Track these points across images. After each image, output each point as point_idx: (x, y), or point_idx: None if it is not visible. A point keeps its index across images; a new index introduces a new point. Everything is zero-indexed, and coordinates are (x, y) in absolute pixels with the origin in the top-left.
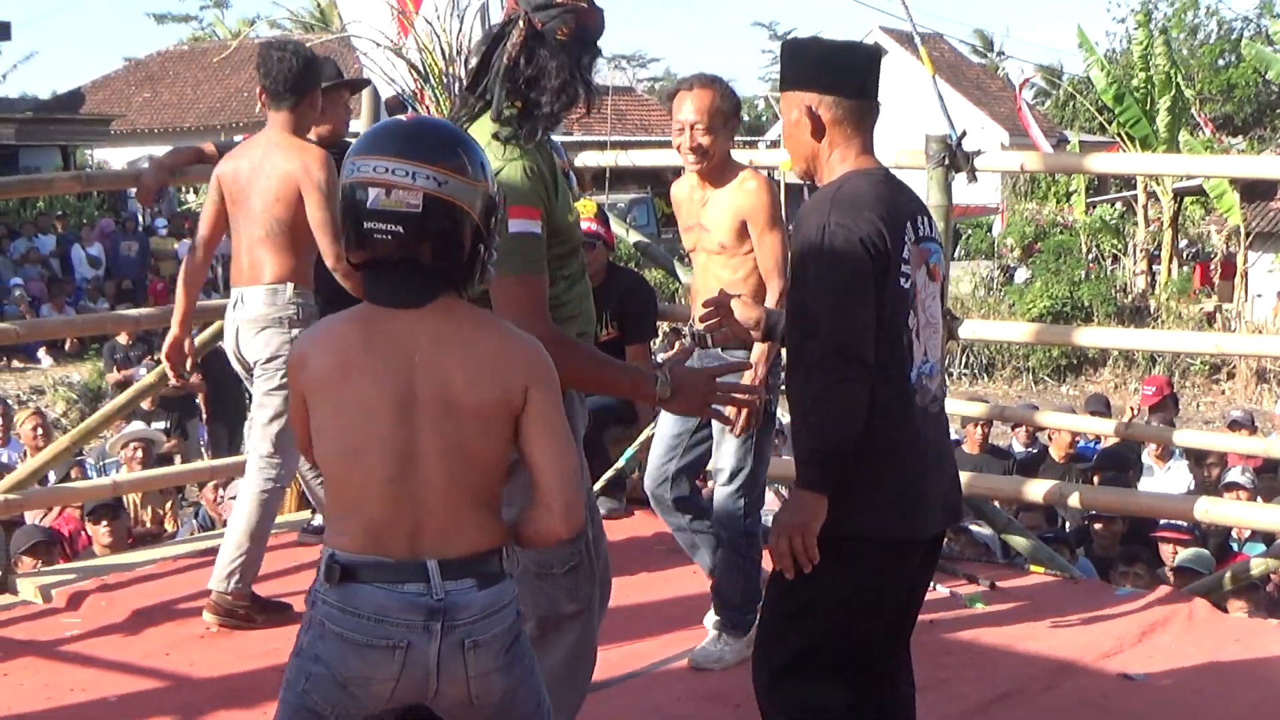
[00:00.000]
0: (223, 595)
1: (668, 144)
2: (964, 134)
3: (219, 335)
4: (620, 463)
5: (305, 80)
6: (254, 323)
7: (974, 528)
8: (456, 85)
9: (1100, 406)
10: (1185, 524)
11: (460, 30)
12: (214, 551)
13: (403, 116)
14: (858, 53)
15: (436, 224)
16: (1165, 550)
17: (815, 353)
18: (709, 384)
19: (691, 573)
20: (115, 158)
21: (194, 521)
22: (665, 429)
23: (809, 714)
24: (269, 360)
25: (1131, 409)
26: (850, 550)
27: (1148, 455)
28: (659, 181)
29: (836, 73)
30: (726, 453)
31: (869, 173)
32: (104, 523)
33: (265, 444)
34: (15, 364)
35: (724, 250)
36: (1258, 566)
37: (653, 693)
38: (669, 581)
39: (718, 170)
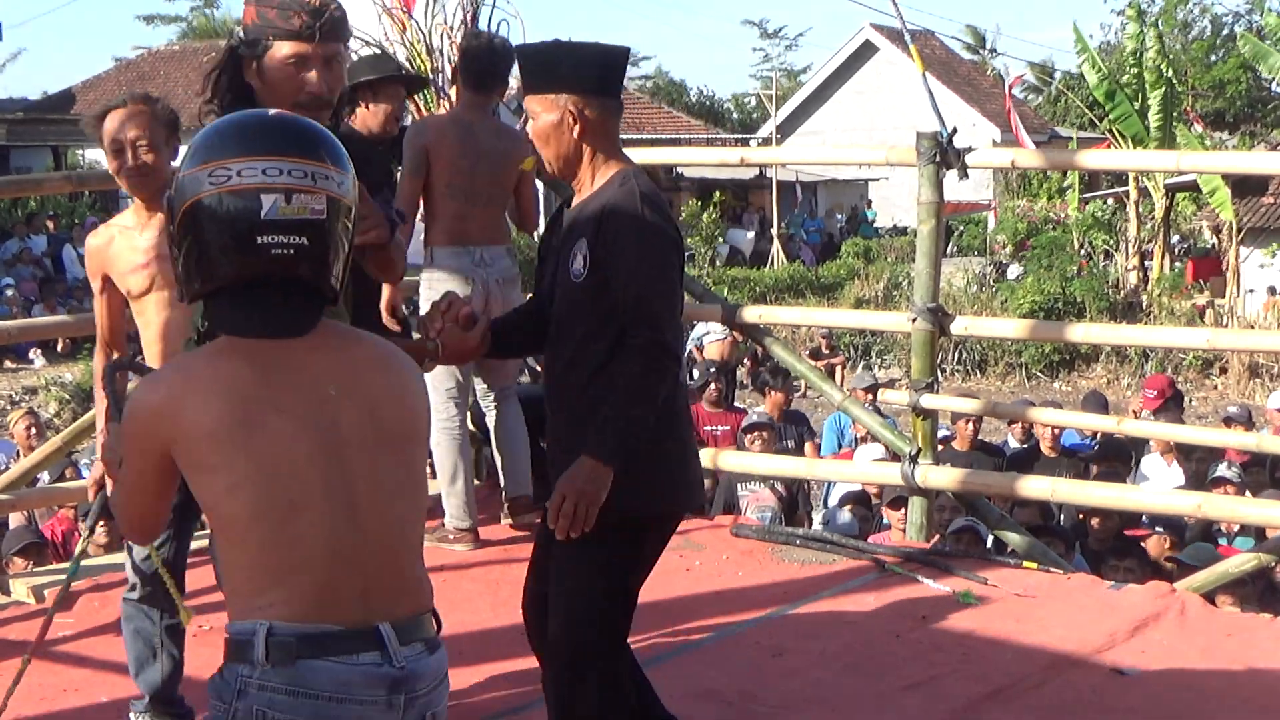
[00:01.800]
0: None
1: (660, 142)
2: (955, 131)
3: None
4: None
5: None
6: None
7: (976, 526)
8: (441, 81)
9: (1097, 403)
10: (1157, 526)
11: (447, 29)
12: (205, 552)
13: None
14: (616, 54)
15: (334, 232)
16: (1152, 544)
17: (643, 338)
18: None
19: (684, 570)
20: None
21: None
22: None
23: (610, 692)
24: None
25: (1134, 411)
26: (651, 528)
27: (1155, 453)
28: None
29: (602, 74)
30: None
31: (640, 170)
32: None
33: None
34: (8, 364)
35: None
36: (1248, 561)
37: None
38: (661, 578)
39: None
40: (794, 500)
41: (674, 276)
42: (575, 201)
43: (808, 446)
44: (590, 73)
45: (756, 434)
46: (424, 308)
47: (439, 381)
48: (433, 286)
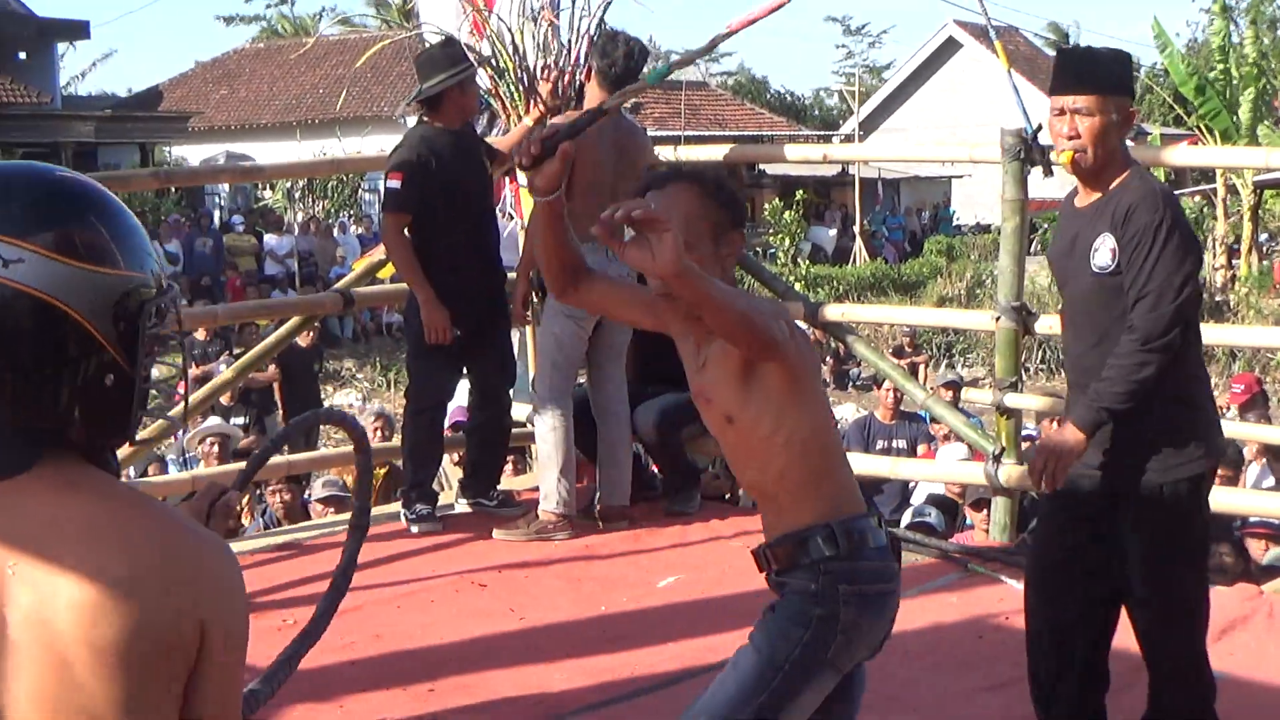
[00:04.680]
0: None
1: (742, 139)
2: (1039, 127)
3: (295, 331)
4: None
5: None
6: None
7: None
8: (527, 81)
9: None
10: (1276, 521)
11: (535, 29)
12: (290, 547)
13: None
14: (1130, 58)
15: (8, 334)
16: (1256, 547)
17: (1140, 336)
18: None
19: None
20: (193, 155)
21: (260, 520)
22: None
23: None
24: None
25: (1221, 407)
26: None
27: (1247, 452)
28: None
29: (1131, 77)
30: None
31: (1146, 168)
32: None
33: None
34: None
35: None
36: None
37: None
38: (742, 576)
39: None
40: None
41: (1193, 276)
42: (1091, 197)
43: (921, 448)
44: (1129, 76)
45: None
46: (552, 310)
47: (546, 368)
48: None
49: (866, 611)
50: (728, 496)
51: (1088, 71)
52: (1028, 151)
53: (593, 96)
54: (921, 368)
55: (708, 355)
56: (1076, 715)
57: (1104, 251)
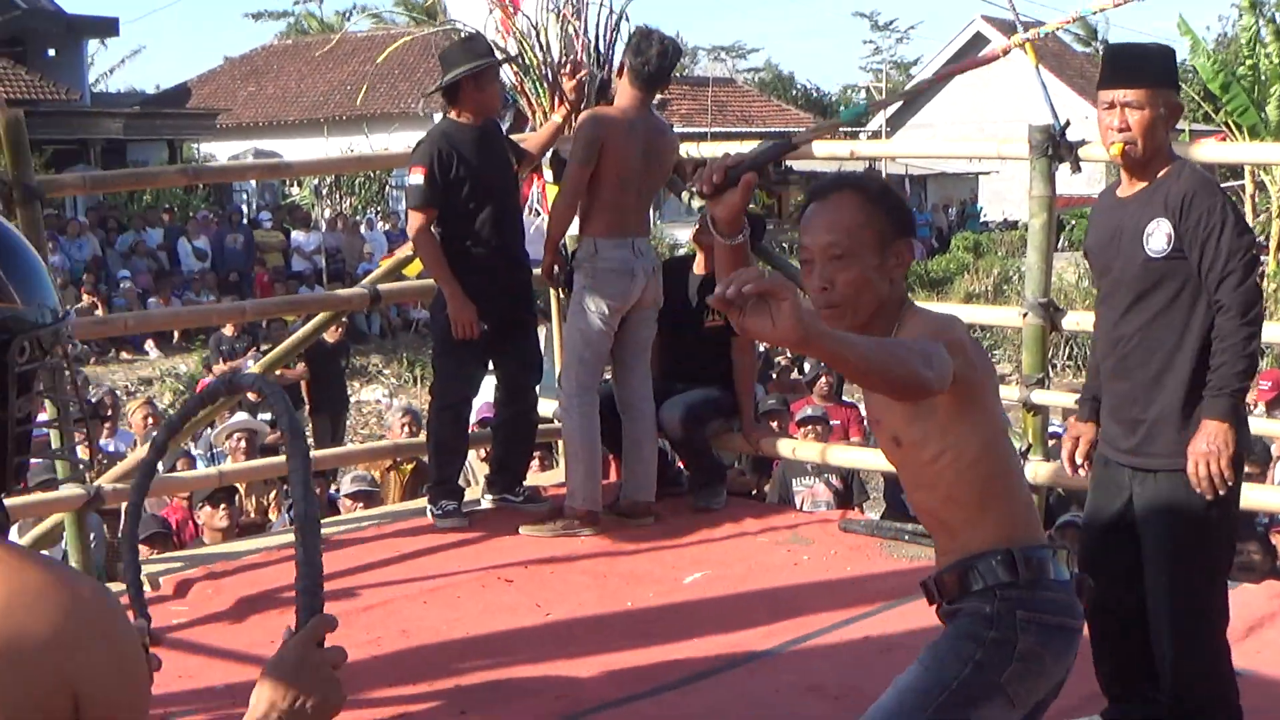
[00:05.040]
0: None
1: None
2: (1068, 124)
3: (323, 327)
4: None
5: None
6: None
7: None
8: (552, 77)
9: None
10: None
11: (559, 26)
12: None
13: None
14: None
15: None
16: None
17: (1237, 311)
18: None
19: (792, 565)
20: (220, 151)
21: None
22: None
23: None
24: None
25: (1249, 404)
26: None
27: (1274, 449)
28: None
29: (1176, 71)
30: None
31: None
32: (222, 506)
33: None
34: (124, 355)
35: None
36: None
37: (752, 683)
38: (769, 573)
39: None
40: (849, 494)
41: (1256, 256)
42: (1136, 187)
43: None
44: (1174, 70)
45: (810, 427)
46: (578, 306)
47: (573, 363)
48: (596, 278)
49: (1050, 643)
50: (754, 492)
51: (1137, 66)
52: (1056, 148)
53: (624, 94)
54: None
55: None
56: (1143, 691)
57: (1159, 236)
